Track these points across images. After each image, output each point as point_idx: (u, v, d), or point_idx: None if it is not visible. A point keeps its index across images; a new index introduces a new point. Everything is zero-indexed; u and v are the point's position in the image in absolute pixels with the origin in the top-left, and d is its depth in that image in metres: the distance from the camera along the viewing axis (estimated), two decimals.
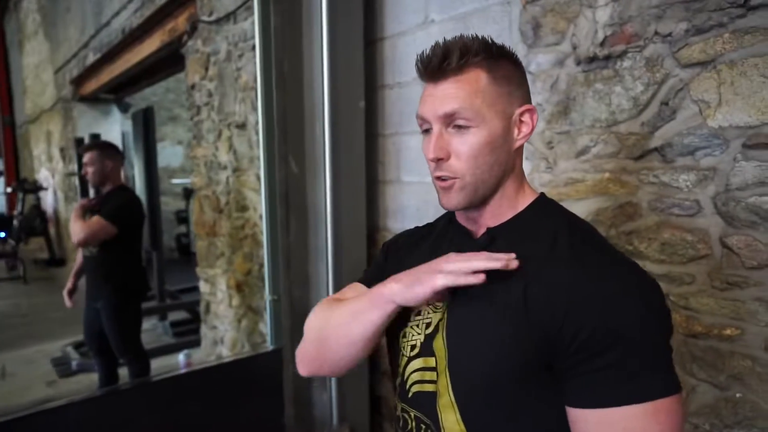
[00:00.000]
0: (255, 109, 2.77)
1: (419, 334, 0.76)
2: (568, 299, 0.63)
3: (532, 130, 0.74)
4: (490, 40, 0.72)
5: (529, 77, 1.37)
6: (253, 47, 2.73)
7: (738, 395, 1.10)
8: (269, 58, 1.98)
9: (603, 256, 0.68)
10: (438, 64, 0.69)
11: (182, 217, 7.66)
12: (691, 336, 1.16)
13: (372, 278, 0.89)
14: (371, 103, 1.97)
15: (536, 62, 1.42)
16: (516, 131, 0.73)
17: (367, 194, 1.95)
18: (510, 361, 0.65)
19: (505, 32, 1.50)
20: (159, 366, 3.54)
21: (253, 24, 2.72)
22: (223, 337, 3.42)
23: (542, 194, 0.78)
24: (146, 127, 3.86)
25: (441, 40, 0.71)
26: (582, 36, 1.31)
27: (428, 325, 0.76)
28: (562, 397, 0.64)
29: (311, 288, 2.05)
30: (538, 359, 0.64)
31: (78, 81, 6.36)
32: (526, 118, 0.73)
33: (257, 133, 2.78)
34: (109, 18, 4.91)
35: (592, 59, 1.29)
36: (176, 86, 8.61)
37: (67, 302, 2.59)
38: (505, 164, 0.73)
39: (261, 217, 2.84)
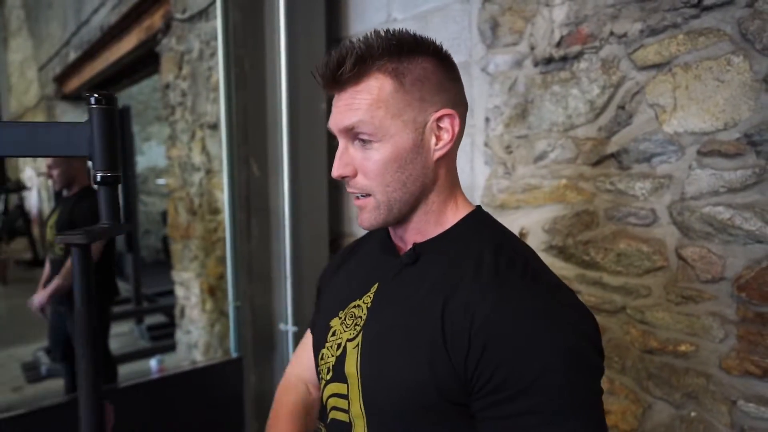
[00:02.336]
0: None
1: (332, 356, 0.71)
2: (487, 335, 0.56)
3: (453, 137, 0.65)
4: (400, 38, 0.63)
5: (487, 78, 1.32)
6: None
7: (693, 414, 1.04)
8: (229, 55, 1.92)
9: (529, 285, 0.60)
10: (332, 73, 0.62)
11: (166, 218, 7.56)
12: (647, 352, 1.11)
13: (314, 321, 0.84)
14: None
15: (494, 63, 1.36)
16: (434, 140, 0.64)
17: (329, 199, 1.89)
18: (426, 391, 0.59)
19: (464, 32, 1.45)
20: (134, 371, 3.47)
21: None
22: (197, 342, 3.35)
23: (478, 207, 0.71)
24: (122, 127, 3.77)
25: (343, 44, 0.64)
26: (539, 36, 1.25)
27: (339, 345, 0.70)
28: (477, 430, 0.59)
29: (273, 295, 1.99)
30: (456, 390, 0.58)
31: (60, 79, 6.27)
32: (445, 124, 0.64)
33: (221, 134, 2.72)
34: (89, 15, 4.83)
35: (549, 60, 1.24)
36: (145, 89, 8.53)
37: (36, 308, 2.49)
38: (423, 178, 0.65)
39: None
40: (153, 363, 3.11)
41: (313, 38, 1.80)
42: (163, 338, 3.94)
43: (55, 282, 2.37)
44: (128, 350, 3.72)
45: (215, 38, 2.77)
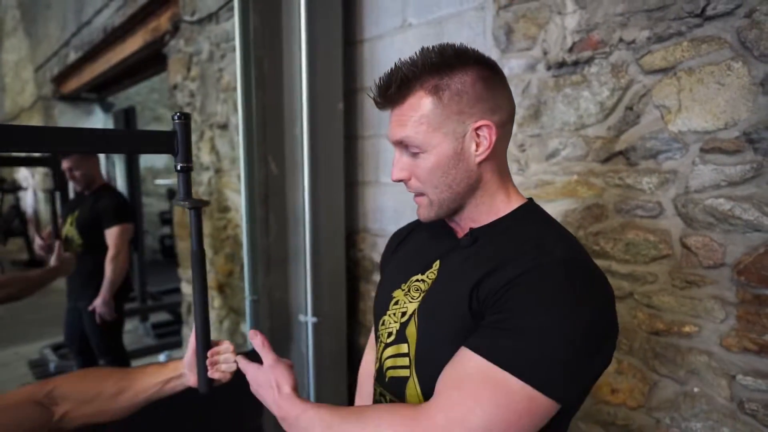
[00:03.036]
0: (237, 109, 2.78)
1: (395, 322, 0.79)
2: (512, 284, 0.65)
3: (491, 145, 0.72)
4: (441, 56, 0.70)
5: None
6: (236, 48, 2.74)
7: (696, 390, 1.14)
8: (249, 57, 1.99)
9: (564, 269, 0.66)
10: (382, 94, 0.72)
11: (166, 219, 7.59)
12: (653, 333, 1.21)
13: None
14: (350, 105, 1.99)
15: (509, 66, 1.45)
16: (474, 147, 0.72)
17: (345, 196, 1.97)
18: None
19: (479, 37, 1.54)
20: None
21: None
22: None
23: (529, 200, 0.79)
24: (128, 126, 3.83)
25: (393, 66, 0.73)
26: (552, 42, 1.35)
27: (404, 314, 0.78)
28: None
29: (291, 289, 2.07)
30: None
31: (59, 79, 6.28)
32: (483, 132, 0.71)
33: (239, 134, 2.79)
34: (91, 16, 4.86)
35: (562, 64, 1.33)
36: (161, 86, 8.53)
37: (109, 315, 2.51)
38: (467, 180, 0.73)
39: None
40: (161, 359, 3.17)
41: (331, 41, 1.88)
42: (167, 335, 4.00)
43: (107, 281, 2.46)
44: (135, 347, 3.77)
45: (226, 40, 2.85)
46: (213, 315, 3.26)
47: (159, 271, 6.06)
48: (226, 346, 0.98)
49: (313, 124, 1.83)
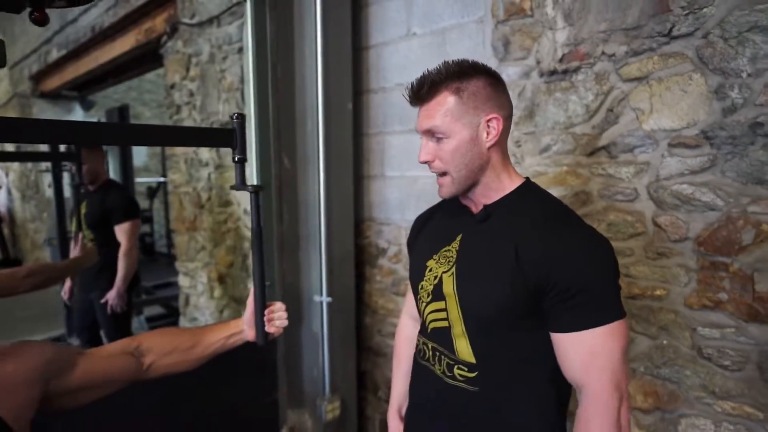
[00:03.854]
0: (240, 108, 2.93)
1: (431, 284, 0.99)
2: (552, 261, 0.87)
3: (498, 133, 0.94)
4: (460, 67, 0.92)
5: None
6: (239, 50, 2.90)
7: (665, 342, 1.39)
8: (264, 63, 2.16)
9: (570, 226, 0.92)
10: (415, 93, 0.93)
11: (146, 217, 7.57)
12: (630, 297, 1.45)
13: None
14: (357, 106, 2.19)
15: (506, 74, 1.67)
16: (485, 135, 0.94)
17: (354, 189, 2.16)
18: (508, 301, 0.88)
19: (479, 47, 1.76)
20: None
21: (238, 28, 2.88)
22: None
23: (527, 179, 1.02)
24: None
25: (423, 72, 0.94)
26: (544, 53, 1.58)
27: (436, 277, 0.99)
28: (546, 327, 0.89)
29: (303, 273, 2.25)
30: (529, 300, 0.88)
31: (38, 77, 6.23)
32: (492, 124, 0.93)
33: (252, 132, 2.94)
34: (77, 15, 4.88)
35: (553, 72, 1.56)
36: (138, 84, 8.51)
37: (122, 306, 2.64)
38: (479, 160, 0.95)
39: (245, 211, 3.00)
40: None
41: (341, 48, 2.07)
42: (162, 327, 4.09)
43: (121, 275, 2.57)
44: None
45: (228, 43, 3.00)
46: (213, 305, 3.40)
47: (141, 268, 6.09)
48: (279, 305, 1.17)
49: (326, 122, 2.01)
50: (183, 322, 3.76)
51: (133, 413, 1.97)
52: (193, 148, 3.43)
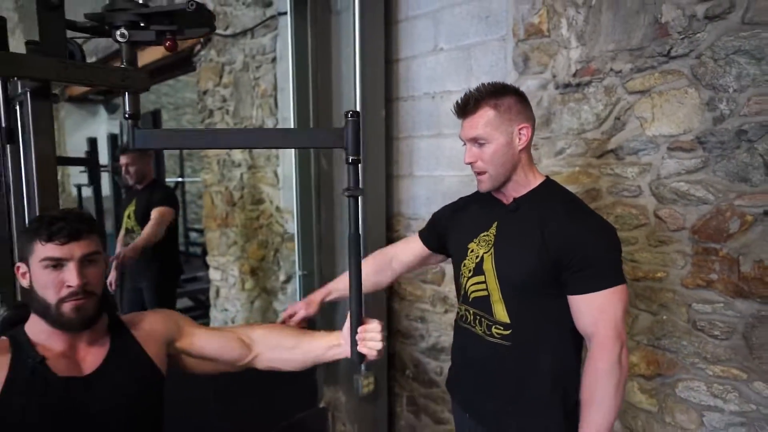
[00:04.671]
0: (273, 114, 3.18)
1: (473, 262, 1.23)
2: (570, 241, 1.10)
3: (528, 140, 1.20)
4: (495, 87, 1.17)
5: None
6: (273, 60, 3.14)
7: (664, 317, 1.62)
8: (304, 73, 2.40)
9: (583, 214, 1.17)
10: (462, 108, 1.17)
11: None
12: (635, 280, 1.68)
13: (426, 235, 1.44)
14: (389, 112, 2.43)
15: (526, 86, 1.91)
16: (517, 140, 1.18)
17: (386, 187, 2.40)
18: (537, 272, 1.12)
19: (501, 62, 1.99)
20: None
21: (272, 39, 3.14)
22: (234, 318, 3.78)
23: (547, 177, 1.26)
24: (155, 127, 4.16)
25: (466, 92, 1.18)
26: (559, 68, 1.81)
27: (478, 256, 1.23)
28: (564, 293, 1.12)
29: (337, 265, 2.49)
30: (553, 271, 1.12)
31: None
32: (523, 131, 1.19)
33: None
34: None
35: (567, 85, 1.79)
36: (156, 89, 8.78)
37: (112, 288, 2.88)
38: (512, 161, 1.19)
39: (277, 208, 3.24)
40: None
41: (375, 60, 2.30)
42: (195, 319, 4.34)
43: (142, 238, 2.71)
44: None
45: (262, 53, 3.25)
46: (244, 296, 3.64)
47: None
48: (375, 325, 1.06)
49: (363, 127, 2.24)
50: (214, 313, 4.01)
51: (186, 390, 2.21)
52: (226, 150, 3.68)
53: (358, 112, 1.02)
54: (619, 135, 1.68)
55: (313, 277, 2.50)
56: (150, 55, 4.50)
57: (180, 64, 4.38)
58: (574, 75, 1.77)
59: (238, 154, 3.58)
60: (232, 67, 3.54)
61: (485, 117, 1.15)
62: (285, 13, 2.68)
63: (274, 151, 3.21)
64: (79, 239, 0.97)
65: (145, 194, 2.94)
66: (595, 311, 1.08)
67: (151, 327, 1.13)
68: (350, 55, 2.25)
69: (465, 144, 1.21)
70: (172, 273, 2.95)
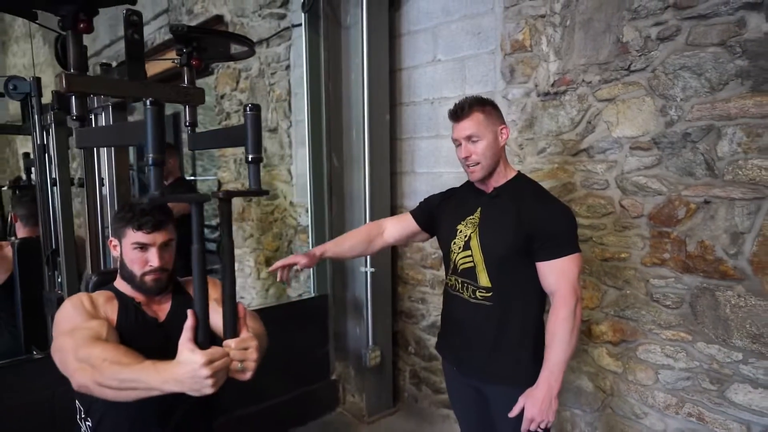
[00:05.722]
0: (287, 116, 3.47)
1: (462, 240, 1.52)
2: (538, 219, 1.39)
3: (507, 137, 1.49)
4: (478, 98, 1.47)
5: (506, 103, 2.17)
6: (287, 67, 3.44)
7: (627, 292, 1.90)
8: (317, 80, 2.69)
9: (548, 200, 1.46)
10: (457, 113, 1.46)
11: None
12: (603, 260, 1.96)
13: (417, 214, 1.72)
14: (392, 116, 2.72)
15: (512, 93, 2.20)
16: (500, 138, 1.48)
17: (391, 182, 2.69)
18: (513, 245, 1.41)
19: (491, 72, 2.28)
20: None
21: (286, 49, 3.42)
22: (249, 304, 4.08)
23: (519, 171, 1.55)
24: (176, 129, 4.47)
25: (457, 101, 1.47)
26: (540, 78, 2.10)
27: (466, 235, 1.52)
28: (534, 259, 1.41)
29: None
30: (525, 244, 1.41)
31: None
32: (503, 131, 1.48)
33: (289, 136, 3.48)
34: None
35: (547, 93, 2.08)
36: None
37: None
38: (497, 156, 1.48)
39: (291, 203, 3.54)
40: None
41: (380, 69, 2.60)
42: None
43: None
44: None
45: (277, 61, 3.54)
46: (260, 285, 3.94)
47: None
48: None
49: (370, 129, 2.54)
50: None
51: None
52: (242, 150, 3.98)
53: (258, 105, 0.96)
54: (590, 136, 1.97)
55: (326, 262, 2.79)
56: (166, 63, 4.82)
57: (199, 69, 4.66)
58: (553, 85, 2.05)
59: None
60: (248, 73, 3.84)
61: (476, 119, 1.44)
62: (298, 25, 2.97)
63: (287, 150, 3.51)
64: (160, 229, 1.28)
65: (169, 191, 3.24)
66: (557, 273, 1.37)
67: None
68: (358, 64, 2.54)
69: (458, 144, 1.50)
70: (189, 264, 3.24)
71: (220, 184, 4.36)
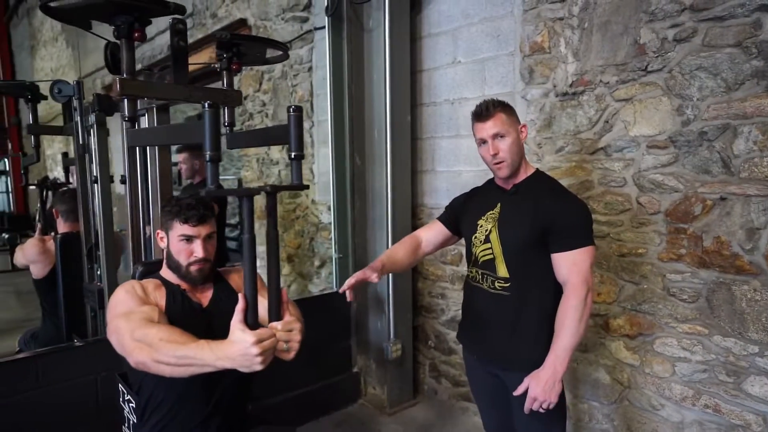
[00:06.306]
0: (309, 117, 3.57)
1: (482, 234, 1.60)
2: (553, 213, 1.46)
3: (525, 136, 1.56)
4: (499, 101, 1.54)
5: (524, 103, 2.24)
6: (309, 69, 3.54)
7: (644, 286, 1.96)
8: (339, 82, 2.78)
9: (564, 194, 1.52)
10: (483, 114, 1.53)
11: None
12: (620, 256, 2.02)
13: (445, 218, 1.77)
14: (413, 116, 2.80)
15: (531, 93, 2.26)
16: (521, 136, 1.55)
17: (411, 181, 2.77)
18: (529, 238, 1.48)
19: (510, 73, 2.35)
20: None
21: (308, 51, 3.53)
22: None
23: (537, 169, 1.62)
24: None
25: (479, 102, 1.54)
26: (559, 79, 2.16)
27: (486, 229, 1.59)
28: (549, 252, 1.48)
29: (368, 248, 2.87)
30: (541, 236, 1.48)
31: (110, 88, 7.03)
32: (523, 130, 1.56)
33: (311, 136, 3.58)
34: (154, 35, 5.62)
35: (565, 94, 2.14)
36: None
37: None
38: (520, 153, 1.56)
39: (313, 201, 3.64)
40: None
41: (402, 71, 2.67)
42: None
43: None
44: None
45: (299, 63, 3.64)
46: (281, 281, 4.05)
47: None
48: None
49: (392, 129, 2.63)
50: None
51: None
52: (265, 149, 4.10)
53: (300, 107, 1.07)
54: (607, 135, 2.02)
55: (348, 259, 2.88)
56: (197, 60, 4.95)
57: (211, 74, 4.81)
58: (571, 85, 2.11)
59: (275, 153, 3.99)
60: (271, 75, 3.95)
61: (500, 118, 1.52)
62: (321, 28, 3.07)
63: (309, 149, 3.61)
64: (205, 222, 1.38)
65: (196, 189, 3.36)
66: (570, 264, 1.44)
67: (240, 277, 1.52)
68: (381, 66, 2.63)
69: (483, 143, 1.57)
70: (219, 261, 3.37)
71: (240, 182, 4.47)
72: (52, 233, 2.65)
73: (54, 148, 9.96)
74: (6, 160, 13.37)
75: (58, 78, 9.46)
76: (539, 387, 1.42)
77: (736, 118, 1.67)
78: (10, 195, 13.64)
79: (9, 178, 13.50)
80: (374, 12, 2.65)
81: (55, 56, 9.57)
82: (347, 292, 1.54)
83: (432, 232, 1.81)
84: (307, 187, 1.14)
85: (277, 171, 3.99)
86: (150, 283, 1.40)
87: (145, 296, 1.33)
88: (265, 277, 1.16)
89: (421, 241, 1.81)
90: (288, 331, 1.09)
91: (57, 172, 10.14)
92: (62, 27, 8.99)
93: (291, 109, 1.06)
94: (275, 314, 1.09)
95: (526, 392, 1.46)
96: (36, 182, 3.58)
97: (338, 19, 2.77)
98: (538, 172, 1.60)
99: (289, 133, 1.06)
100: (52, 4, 1.22)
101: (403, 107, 2.69)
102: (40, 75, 10.51)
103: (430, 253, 1.85)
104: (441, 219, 1.82)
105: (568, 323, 1.41)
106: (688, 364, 1.85)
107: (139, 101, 1.76)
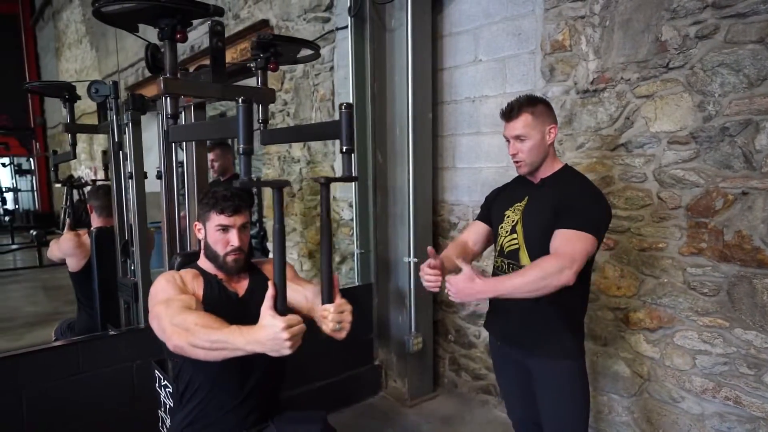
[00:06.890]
0: (331, 115, 3.64)
1: (509, 225, 1.64)
2: (567, 197, 1.49)
3: (554, 137, 1.59)
4: (529, 98, 1.57)
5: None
6: (330, 69, 3.61)
7: (665, 280, 1.98)
8: (362, 81, 2.84)
9: (588, 186, 1.56)
10: (507, 114, 1.57)
11: None
12: (641, 250, 2.05)
13: (482, 215, 1.81)
14: (435, 114, 2.85)
15: (552, 91, 2.30)
16: (548, 137, 1.59)
17: (432, 178, 2.82)
18: (550, 228, 1.52)
19: (531, 71, 2.39)
20: None
21: (330, 51, 3.59)
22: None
23: (566, 164, 1.66)
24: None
25: (509, 101, 1.58)
26: (580, 77, 2.19)
27: (513, 220, 1.64)
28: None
29: (389, 244, 2.93)
30: (557, 222, 1.51)
31: (133, 88, 7.20)
32: (551, 131, 1.59)
33: None
34: None
35: (586, 91, 2.17)
36: None
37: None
38: (544, 153, 1.59)
39: (334, 198, 3.71)
40: None
41: (424, 69, 2.73)
42: None
43: None
44: None
45: (321, 63, 3.71)
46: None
47: None
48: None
49: (414, 127, 2.68)
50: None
51: None
52: (286, 147, 4.18)
53: (351, 104, 1.13)
54: (628, 132, 2.05)
55: (369, 254, 2.95)
56: None
57: (242, 69, 4.91)
58: (592, 83, 2.15)
59: (297, 151, 4.07)
60: (292, 74, 4.03)
61: (524, 120, 1.56)
62: (343, 28, 3.13)
63: (330, 147, 3.69)
64: (239, 213, 1.45)
65: (224, 186, 3.46)
66: (565, 239, 1.46)
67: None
68: (403, 65, 2.68)
69: (508, 140, 1.62)
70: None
71: (258, 179, 4.55)
72: (82, 229, 2.76)
73: (78, 147, 10.21)
74: (32, 159, 13.76)
75: (81, 79, 9.69)
76: (460, 284, 1.42)
77: (759, 114, 1.69)
78: (35, 193, 14.02)
79: (34, 177, 13.89)
80: (396, 12, 2.70)
81: (79, 58, 9.81)
82: (431, 259, 1.54)
83: (474, 232, 1.82)
84: (357, 178, 1.21)
85: (298, 169, 4.07)
86: (188, 273, 1.47)
87: (184, 286, 1.40)
88: (296, 267, 1.21)
89: (467, 241, 1.83)
90: (340, 312, 1.16)
91: (81, 171, 10.41)
92: (86, 29, 9.22)
93: (343, 106, 1.12)
94: (327, 297, 1.16)
95: (551, 379, 1.51)
96: (62, 180, 3.71)
97: (360, 19, 2.83)
98: (566, 167, 1.64)
99: (341, 129, 1.12)
100: (104, 10, 1.30)
101: (425, 105, 2.74)
102: (64, 76, 10.78)
103: (480, 252, 1.83)
104: (479, 217, 1.86)
105: (529, 273, 1.41)
106: (708, 357, 1.88)
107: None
